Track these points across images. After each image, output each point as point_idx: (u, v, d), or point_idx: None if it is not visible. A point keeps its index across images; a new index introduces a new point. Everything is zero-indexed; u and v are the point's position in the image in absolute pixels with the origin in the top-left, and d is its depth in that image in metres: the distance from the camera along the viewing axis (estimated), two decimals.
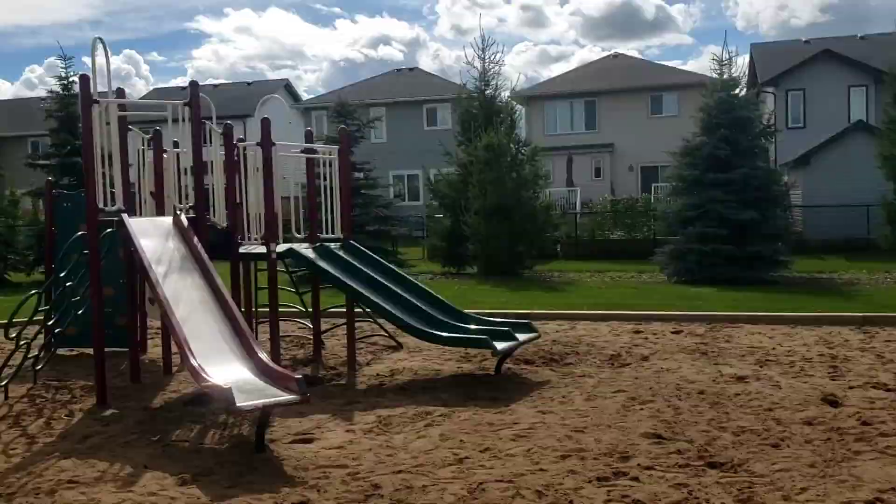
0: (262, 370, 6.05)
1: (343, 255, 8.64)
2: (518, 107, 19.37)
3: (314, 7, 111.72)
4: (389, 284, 8.42)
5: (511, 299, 13.96)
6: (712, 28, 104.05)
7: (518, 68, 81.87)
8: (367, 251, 9.07)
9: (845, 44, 35.83)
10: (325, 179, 9.27)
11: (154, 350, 10.15)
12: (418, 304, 8.27)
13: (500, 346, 7.40)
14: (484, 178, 18.13)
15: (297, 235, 9.05)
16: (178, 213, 7.69)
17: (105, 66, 7.53)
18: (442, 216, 21.61)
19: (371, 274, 8.46)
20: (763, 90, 32.95)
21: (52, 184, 10.53)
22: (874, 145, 21.75)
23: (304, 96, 48.61)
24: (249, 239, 8.58)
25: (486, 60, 21.75)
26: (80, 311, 8.33)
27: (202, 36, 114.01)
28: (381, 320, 10.16)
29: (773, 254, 15.84)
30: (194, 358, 5.91)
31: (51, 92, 22.12)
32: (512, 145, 18.43)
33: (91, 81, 7.27)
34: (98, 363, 7.38)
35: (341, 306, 10.85)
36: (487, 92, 21.70)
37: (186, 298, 6.80)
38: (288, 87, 47.37)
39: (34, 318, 7.63)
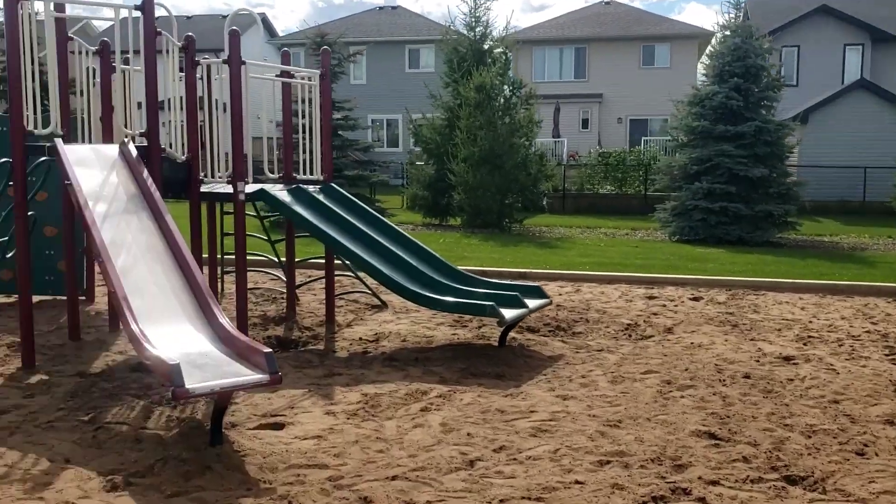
0: (222, 339, 4.83)
1: (322, 200, 7.38)
2: (511, 46, 17.86)
3: None
4: (376, 236, 7.19)
5: (503, 255, 12.79)
6: None
7: (500, 15, 79.31)
8: (349, 196, 7.82)
9: (842, 0, 34.56)
10: (302, 114, 7.95)
11: (103, 299, 8.87)
12: (410, 260, 7.07)
13: (508, 314, 6.23)
14: (473, 123, 16.81)
15: (270, 175, 7.75)
16: (126, 140, 6.37)
17: None
18: (425, 163, 20.31)
19: (354, 223, 7.23)
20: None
21: None
22: (876, 105, 20.69)
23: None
24: (214, 177, 7.27)
25: None
26: (9, 255, 7.08)
27: None
28: (363, 275, 8.97)
29: (783, 214, 14.78)
30: (135, 321, 4.67)
31: None
32: (506, 87, 17.06)
33: None
34: (24, 317, 6.12)
35: (319, 257, 9.66)
36: (478, 29, 20.23)
37: (130, 244, 5.52)
38: (265, 22, 45.19)
39: None
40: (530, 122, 17.02)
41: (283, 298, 8.92)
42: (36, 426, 4.81)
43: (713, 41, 16.11)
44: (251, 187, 7.06)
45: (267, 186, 7.28)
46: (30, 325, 6.15)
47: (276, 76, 7.82)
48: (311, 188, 7.57)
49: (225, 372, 4.40)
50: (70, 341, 6.97)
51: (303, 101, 7.89)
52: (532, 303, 6.69)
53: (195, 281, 5.28)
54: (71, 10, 7.31)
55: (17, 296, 8.67)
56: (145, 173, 6.10)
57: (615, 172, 25.73)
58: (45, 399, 5.34)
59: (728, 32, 15.63)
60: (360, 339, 7.25)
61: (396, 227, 7.59)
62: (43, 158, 6.44)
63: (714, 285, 10.06)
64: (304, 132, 7.95)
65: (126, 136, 6.46)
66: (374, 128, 38.43)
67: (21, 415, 5.01)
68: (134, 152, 6.26)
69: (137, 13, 6.41)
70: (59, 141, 6.09)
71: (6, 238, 6.87)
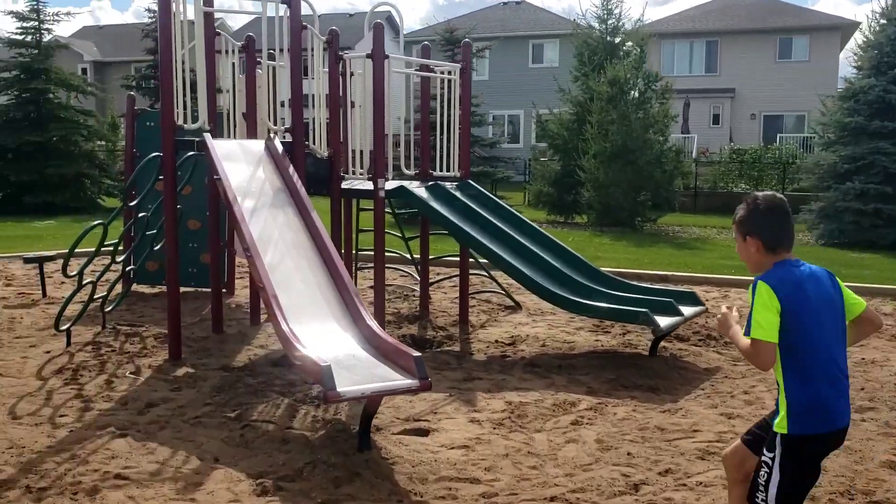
0: (369, 339, 4.68)
1: (460, 197, 7.18)
2: (646, 39, 17.16)
3: None
4: (515, 235, 6.93)
5: (639, 256, 12.28)
6: None
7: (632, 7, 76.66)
8: (486, 193, 7.60)
9: None
10: (440, 107, 7.77)
11: (243, 292, 9.00)
12: (551, 261, 6.77)
13: (662, 322, 5.84)
14: (605, 118, 16.28)
15: (406, 171, 7.62)
16: (272, 136, 6.35)
17: None
18: (550, 159, 19.89)
19: (493, 220, 6.99)
20: None
21: (135, 101, 9.36)
22: None
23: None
24: (353, 173, 7.18)
25: None
26: (157, 247, 7.21)
27: None
28: (496, 274, 8.74)
29: None
30: (285, 320, 4.57)
31: (149, 10, 21.20)
32: (640, 80, 16.44)
33: None
34: (172, 310, 6.19)
35: (453, 255, 9.50)
36: (609, 22, 19.63)
37: (277, 240, 5.47)
38: (390, 21, 45.69)
39: (100, 251, 6.45)
40: (665, 116, 16.34)
41: (414, 296, 8.80)
42: (184, 421, 4.80)
43: (863, 30, 14.93)
44: (391, 184, 6.92)
45: (405, 183, 7.13)
46: (177, 319, 6.22)
47: (416, 69, 7.66)
48: (448, 185, 7.38)
49: (374, 375, 4.24)
50: (213, 334, 7.04)
51: (443, 87, 7.69)
52: (687, 310, 6.26)
53: (341, 279, 5.17)
54: (217, 5, 7.38)
55: (161, 287, 8.94)
56: (291, 169, 6.06)
57: (751, 171, 24.51)
58: (192, 393, 5.36)
59: (885, 21, 14.46)
60: (497, 341, 7.01)
61: (535, 226, 7.30)
62: (190, 153, 6.51)
63: (875, 294, 9.27)
64: (441, 128, 7.77)
65: (271, 132, 6.44)
66: (496, 123, 38.21)
67: (170, 409, 5.03)
68: (280, 148, 6.23)
69: (284, 7, 6.38)
70: (207, 136, 6.12)
71: (154, 231, 6.99)
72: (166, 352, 6.36)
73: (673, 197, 16.59)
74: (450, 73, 7.60)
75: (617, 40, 19.15)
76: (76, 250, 6.42)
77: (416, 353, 4.22)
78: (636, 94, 16.17)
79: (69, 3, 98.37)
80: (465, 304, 7.80)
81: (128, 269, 7.00)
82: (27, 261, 8.79)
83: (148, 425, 4.75)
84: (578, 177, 16.82)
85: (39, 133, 18.70)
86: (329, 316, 4.91)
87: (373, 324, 4.69)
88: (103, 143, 22.62)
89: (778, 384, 2.74)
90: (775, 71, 35.76)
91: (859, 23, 37.42)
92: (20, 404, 5.12)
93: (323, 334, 4.68)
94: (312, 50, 6.70)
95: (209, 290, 8.43)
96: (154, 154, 6.42)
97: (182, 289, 8.82)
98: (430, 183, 7.23)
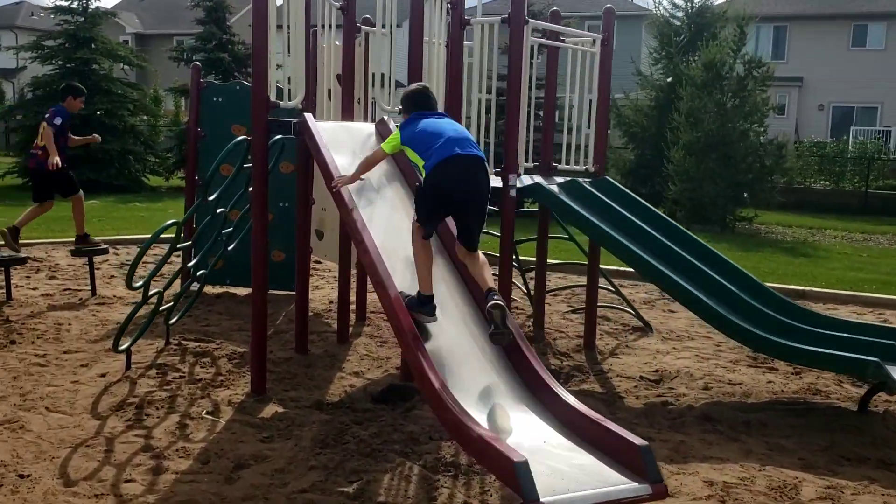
0: (559, 412, 3.37)
1: (603, 198, 5.86)
2: (749, 20, 15.61)
3: None
4: (679, 250, 5.59)
5: (745, 262, 10.78)
6: None
7: None
8: (630, 193, 6.26)
9: None
10: (569, 85, 6.45)
11: (315, 295, 7.79)
12: (728, 285, 5.40)
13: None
14: (697, 105, 14.79)
15: (524, 164, 6.31)
16: (386, 118, 5.07)
17: None
18: (624, 148, 18.44)
19: (646, 228, 5.66)
20: None
21: (200, 72, 8.13)
22: None
23: None
24: None
25: None
26: (231, 246, 6.01)
27: None
28: (620, 286, 7.44)
29: None
30: (438, 378, 3.30)
31: None
32: (740, 65, 14.91)
33: None
34: (257, 329, 4.97)
35: (565, 263, 8.29)
36: (696, 1, 18.08)
37: (406, 256, 4.21)
38: None
39: (170, 256, 5.23)
40: (766, 105, 14.81)
41: (519, 310, 7.54)
42: (288, 498, 3.58)
43: None
44: (528, 180, 5.63)
45: (539, 180, 5.83)
46: (262, 342, 4.99)
47: (544, 36, 6.28)
48: (583, 181, 6.08)
49: (578, 470, 2.95)
50: (297, 354, 5.83)
51: (574, 63, 6.37)
52: None
53: None
54: None
55: (226, 287, 7.77)
56: None
57: (832, 166, 22.83)
58: (289, 447, 4.15)
59: None
60: (640, 377, 5.72)
61: (697, 238, 5.96)
62: (277, 137, 5.25)
63: None
64: (569, 111, 6.45)
65: (385, 111, 5.17)
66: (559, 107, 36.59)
67: (265, 473, 3.82)
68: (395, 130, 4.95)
69: None
70: (309, 116, 4.87)
71: (231, 228, 5.78)
72: (245, 379, 5.17)
73: (771, 195, 15.08)
74: (589, 44, 6.25)
75: (705, 19, 17.57)
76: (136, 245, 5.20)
77: (642, 442, 2.93)
78: (735, 80, 14.63)
79: None
80: (593, 325, 6.51)
81: (199, 273, 5.77)
82: (74, 253, 7.64)
83: (241, 501, 3.54)
84: (663, 168, 15.38)
85: (85, 105, 17.60)
86: (488, 367, 3.64)
87: (560, 389, 3.40)
88: (146, 117, 21.51)
89: None
90: (848, 59, 33.79)
91: None
92: (74, 459, 3.94)
93: (487, 398, 3.42)
94: (437, 11, 5.40)
95: (280, 292, 7.32)
96: (241, 137, 5.16)
97: (245, 290, 7.75)
98: (568, 180, 5.91)
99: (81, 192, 7.75)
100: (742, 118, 14.49)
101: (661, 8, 18.54)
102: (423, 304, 3.87)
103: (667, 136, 15.53)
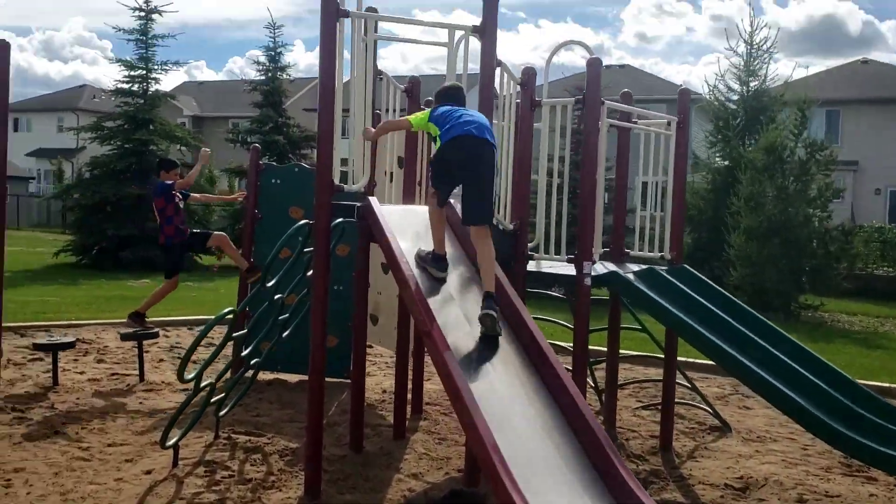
0: None
1: (679, 286, 5.46)
2: (810, 104, 15.34)
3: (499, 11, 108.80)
4: (755, 337, 5.14)
5: (828, 357, 10.24)
6: None
7: (710, 79, 74.50)
8: (712, 284, 5.86)
9: None
10: (642, 168, 6.16)
11: (367, 382, 7.42)
12: (810, 376, 4.93)
13: None
14: (758, 189, 14.39)
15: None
16: (452, 201, 4.80)
17: None
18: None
19: (728, 320, 5.23)
20: None
21: (259, 153, 8.04)
22: None
23: None
24: (541, 251, 5.58)
25: (754, 46, 17.89)
26: (286, 333, 5.72)
27: None
28: (696, 382, 6.96)
29: None
30: (521, 496, 2.90)
31: (257, 62, 20.48)
32: (802, 148, 14.53)
33: None
34: (312, 428, 4.62)
35: (635, 354, 7.86)
36: (752, 84, 17.87)
37: (475, 351, 3.86)
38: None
39: (225, 345, 4.95)
40: (829, 190, 14.36)
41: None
42: None
43: None
44: (599, 268, 5.28)
45: (612, 267, 5.48)
46: (318, 441, 4.63)
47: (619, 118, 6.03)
48: (661, 269, 5.70)
49: None
50: (351, 451, 5.44)
51: (649, 145, 6.09)
52: None
53: (582, 419, 3.50)
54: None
55: (277, 373, 7.47)
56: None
57: (895, 252, 22.04)
58: None
59: None
60: (725, 485, 5.23)
61: (780, 330, 5.50)
62: (339, 220, 5.00)
63: None
64: (641, 194, 6.14)
65: (452, 196, 4.90)
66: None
67: None
68: (461, 216, 4.67)
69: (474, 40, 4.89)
70: (373, 200, 4.62)
71: (286, 315, 5.50)
72: (298, 480, 4.80)
73: (836, 282, 14.46)
74: (665, 127, 5.97)
75: (762, 103, 17.32)
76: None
77: None
78: (797, 163, 14.23)
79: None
80: (670, 424, 6.04)
81: (252, 362, 5.48)
82: (125, 337, 7.42)
83: None
84: (724, 252, 14.89)
85: (141, 185, 17.87)
86: (575, 484, 3.22)
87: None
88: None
89: None
90: None
91: None
92: None
93: None
94: (504, 91, 5.18)
95: (332, 379, 6.98)
96: (304, 222, 4.92)
97: (297, 376, 7.45)
98: (645, 268, 5.54)
99: (177, 278, 7.71)
100: (805, 203, 14.02)
101: (716, 91, 18.34)
102: (437, 261, 4.30)
103: (725, 219, 15.10)
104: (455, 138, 4.18)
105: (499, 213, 5.20)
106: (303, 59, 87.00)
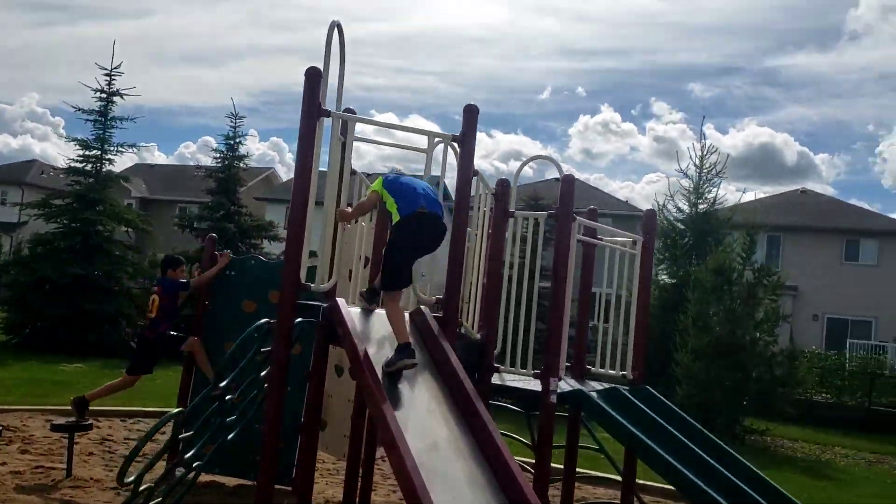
0: None
1: (641, 407, 5.37)
2: (758, 230, 15.87)
3: (453, 118, 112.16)
4: (720, 467, 5.05)
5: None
6: (857, 182, 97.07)
7: (648, 197, 77.28)
8: (673, 407, 5.78)
9: None
10: (605, 286, 6.16)
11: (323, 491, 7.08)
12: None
13: None
14: (705, 309, 14.60)
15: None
16: (423, 309, 4.68)
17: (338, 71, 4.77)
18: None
19: (691, 445, 5.14)
20: None
21: (215, 243, 7.85)
22: None
23: None
24: (509, 364, 5.46)
25: (705, 169, 18.53)
26: (231, 435, 5.42)
27: None
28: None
29: None
30: None
31: (215, 150, 20.43)
32: (749, 271, 14.88)
33: (321, 81, 4.51)
34: None
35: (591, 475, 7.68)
36: (701, 206, 18.41)
37: (435, 445, 3.69)
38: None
39: (168, 449, 4.65)
40: (775, 314, 14.65)
41: None
42: None
43: None
44: (566, 385, 5.17)
45: (575, 385, 5.37)
46: None
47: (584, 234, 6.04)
48: (623, 389, 5.62)
49: None
50: None
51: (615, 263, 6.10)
52: None
53: None
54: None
55: (213, 476, 7.07)
56: (450, 353, 4.35)
57: (833, 378, 22.46)
58: None
59: None
60: None
61: (743, 460, 5.41)
62: (299, 320, 4.81)
63: None
64: (604, 312, 6.11)
65: (423, 302, 4.78)
66: None
67: None
68: (434, 325, 4.55)
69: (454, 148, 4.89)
70: (341, 301, 4.47)
71: (233, 416, 5.22)
72: None
73: (782, 407, 14.57)
74: (630, 246, 6.00)
75: (711, 225, 17.83)
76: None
77: None
78: (745, 287, 14.53)
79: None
80: None
81: (195, 465, 5.15)
82: (55, 428, 6.98)
83: None
84: (671, 370, 14.93)
85: (84, 266, 17.37)
86: None
87: None
88: (142, 279, 21.19)
89: None
90: (842, 272, 34.41)
91: None
92: None
93: None
94: (477, 200, 5.17)
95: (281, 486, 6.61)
96: (263, 321, 4.74)
97: (238, 480, 7.07)
98: (608, 388, 5.45)
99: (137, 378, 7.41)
100: (753, 326, 14.25)
101: (665, 210, 18.84)
102: (403, 350, 4.23)
103: (673, 336, 15.22)
104: (411, 217, 4.39)
105: (467, 321, 5.09)
106: (256, 149, 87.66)
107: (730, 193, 35.36)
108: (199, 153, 79.65)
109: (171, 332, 7.37)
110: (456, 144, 4.84)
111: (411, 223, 4.37)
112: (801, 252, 35.02)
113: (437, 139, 4.87)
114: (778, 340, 15.25)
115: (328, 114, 4.52)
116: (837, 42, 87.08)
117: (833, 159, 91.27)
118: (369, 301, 4.78)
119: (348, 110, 4.90)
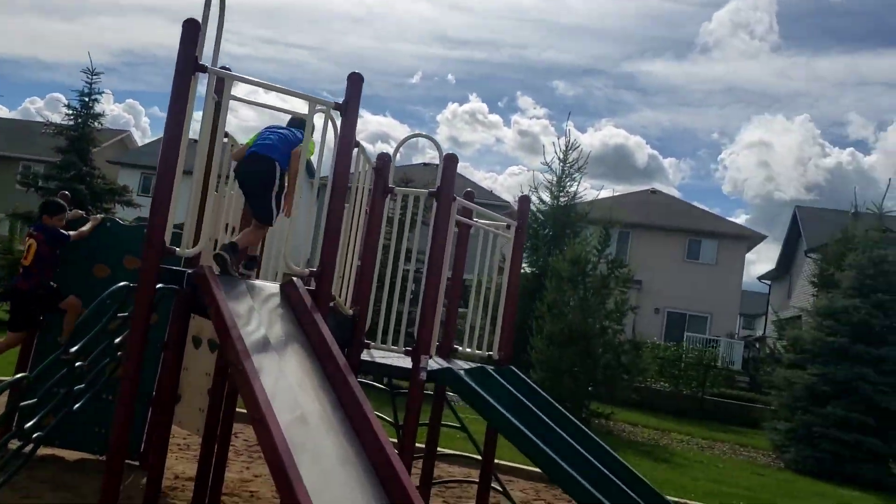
0: None
1: (507, 386, 5.45)
2: (614, 224, 16.55)
3: (322, 95, 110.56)
4: (576, 445, 5.21)
5: None
6: (700, 187, 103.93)
7: (510, 188, 79.63)
8: (536, 387, 5.90)
9: None
10: (477, 267, 6.20)
11: (176, 466, 6.78)
12: (630, 493, 5.05)
13: None
14: (561, 298, 15.08)
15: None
16: (295, 280, 4.52)
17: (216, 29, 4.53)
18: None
19: (551, 425, 5.26)
20: (809, 256, 30.81)
21: (69, 200, 7.31)
22: None
23: None
24: (380, 341, 5.38)
25: (567, 164, 19.10)
26: (77, 406, 5.06)
27: None
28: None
29: None
30: None
31: (68, 106, 19.09)
32: (603, 263, 15.48)
33: (199, 34, 4.26)
34: None
35: (453, 452, 7.72)
36: (562, 199, 18.98)
37: (303, 415, 3.58)
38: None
39: (11, 418, 4.28)
40: (624, 304, 15.32)
41: None
42: None
43: (852, 245, 14.57)
44: (435, 363, 5.15)
45: (444, 363, 5.37)
46: None
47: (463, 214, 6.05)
48: (489, 368, 5.67)
49: None
50: None
51: (485, 245, 6.15)
52: None
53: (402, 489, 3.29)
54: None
55: (54, 449, 6.62)
56: (322, 325, 4.23)
57: (672, 368, 23.82)
58: None
59: (873, 240, 14.12)
60: None
61: (603, 445, 5.60)
62: (159, 286, 4.54)
63: None
64: (476, 293, 6.15)
65: (295, 273, 4.61)
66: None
67: None
68: (307, 298, 4.40)
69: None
70: (209, 268, 4.25)
71: (81, 384, 4.87)
72: None
73: (625, 393, 15.28)
74: (502, 229, 6.06)
75: (570, 217, 18.43)
76: None
77: None
78: (599, 278, 15.11)
79: None
80: None
81: (35, 435, 4.77)
82: None
83: None
84: (525, 355, 15.33)
85: None
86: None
87: None
88: None
89: None
90: (683, 270, 36.45)
91: (765, 236, 39.42)
92: None
93: None
94: (357, 174, 5.04)
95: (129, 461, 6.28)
96: (123, 284, 4.43)
97: (76, 454, 6.68)
98: (476, 367, 5.49)
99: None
100: (604, 315, 14.84)
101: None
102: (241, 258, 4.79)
103: (530, 322, 15.64)
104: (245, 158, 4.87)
105: (340, 296, 4.97)
106: (110, 110, 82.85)
107: (586, 190, 36.49)
108: (47, 109, 74.56)
109: (52, 283, 6.66)
110: (338, 112, 4.69)
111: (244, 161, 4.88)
112: (648, 248, 36.80)
113: (318, 106, 4.70)
114: (624, 330, 15.96)
115: (204, 69, 4.26)
116: (690, 52, 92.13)
117: (680, 163, 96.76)
118: (246, 266, 4.89)
119: (225, 68, 4.65)
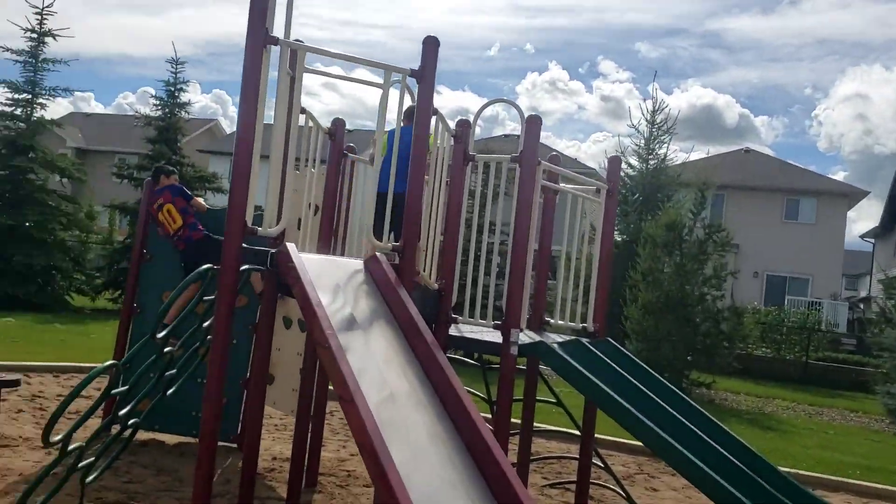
0: None
1: (604, 359, 5.19)
2: (710, 186, 15.93)
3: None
4: (686, 421, 4.92)
5: None
6: (794, 145, 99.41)
7: (594, 156, 77.63)
8: (633, 358, 5.62)
9: None
10: (566, 235, 5.94)
11: (269, 447, 6.79)
12: (738, 464, 4.74)
13: None
14: (656, 265, 14.60)
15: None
16: (379, 256, 4.37)
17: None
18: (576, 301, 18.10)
19: (655, 399, 4.98)
20: None
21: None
22: None
23: None
24: (468, 315, 5.21)
25: (655, 126, 18.46)
26: (171, 390, 5.08)
27: None
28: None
29: None
30: None
31: (154, 97, 19.55)
32: (700, 228, 14.89)
33: (268, 7, 4.12)
34: (199, 499, 4.00)
35: (549, 428, 7.51)
36: (652, 162, 18.37)
37: (391, 396, 3.44)
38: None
39: (100, 404, 4.29)
40: (723, 270, 14.71)
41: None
42: None
43: None
44: (526, 337, 4.94)
45: (536, 337, 5.15)
46: None
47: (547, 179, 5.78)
48: (585, 341, 5.42)
49: None
50: None
51: (576, 213, 5.88)
52: None
53: (499, 472, 3.10)
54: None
55: (152, 432, 6.73)
56: (408, 302, 4.07)
57: (774, 333, 22.92)
58: None
59: None
60: None
61: (707, 414, 5.29)
62: (245, 267, 4.46)
63: None
64: (566, 264, 5.90)
65: (378, 248, 4.47)
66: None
67: None
68: (390, 272, 4.25)
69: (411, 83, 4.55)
70: (292, 247, 4.14)
71: (173, 369, 4.87)
72: None
73: (726, 361, 14.72)
74: (593, 192, 5.77)
75: (660, 181, 17.83)
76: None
77: None
78: (696, 243, 14.54)
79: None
80: None
81: (130, 422, 4.80)
82: None
83: None
84: (619, 325, 14.95)
85: (14, 215, 16.56)
86: None
87: None
88: (77, 231, 20.33)
89: None
90: (781, 231, 35.02)
91: (868, 192, 37.42)
92: None
93: None
94: (437, 142, 4.85)
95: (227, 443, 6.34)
96: (207, 266, 4.38)
97: (175, 437, 6.77)
98: (571, 339, 5.25)
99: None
100: (702, 281, 14.30)
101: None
102: None
103: (623, 292, 15.22)
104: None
105: (424, 270, 4.81)
106: (198, 101, 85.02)
107: (673, 153, 35.23)
108: (139, 104, 77.01)
109: (213, 236, 6.62)
110: (415, 80, 4.50)
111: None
112: (744, 210, 35.48)
113: (395, 73, 4.52)
114: (724, 296, 15.36)
115: (276, 41, 4.13)
116: (778, 6, 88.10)
117: (772, 121, 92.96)
118: None
119: (298, 41, 4.51)
